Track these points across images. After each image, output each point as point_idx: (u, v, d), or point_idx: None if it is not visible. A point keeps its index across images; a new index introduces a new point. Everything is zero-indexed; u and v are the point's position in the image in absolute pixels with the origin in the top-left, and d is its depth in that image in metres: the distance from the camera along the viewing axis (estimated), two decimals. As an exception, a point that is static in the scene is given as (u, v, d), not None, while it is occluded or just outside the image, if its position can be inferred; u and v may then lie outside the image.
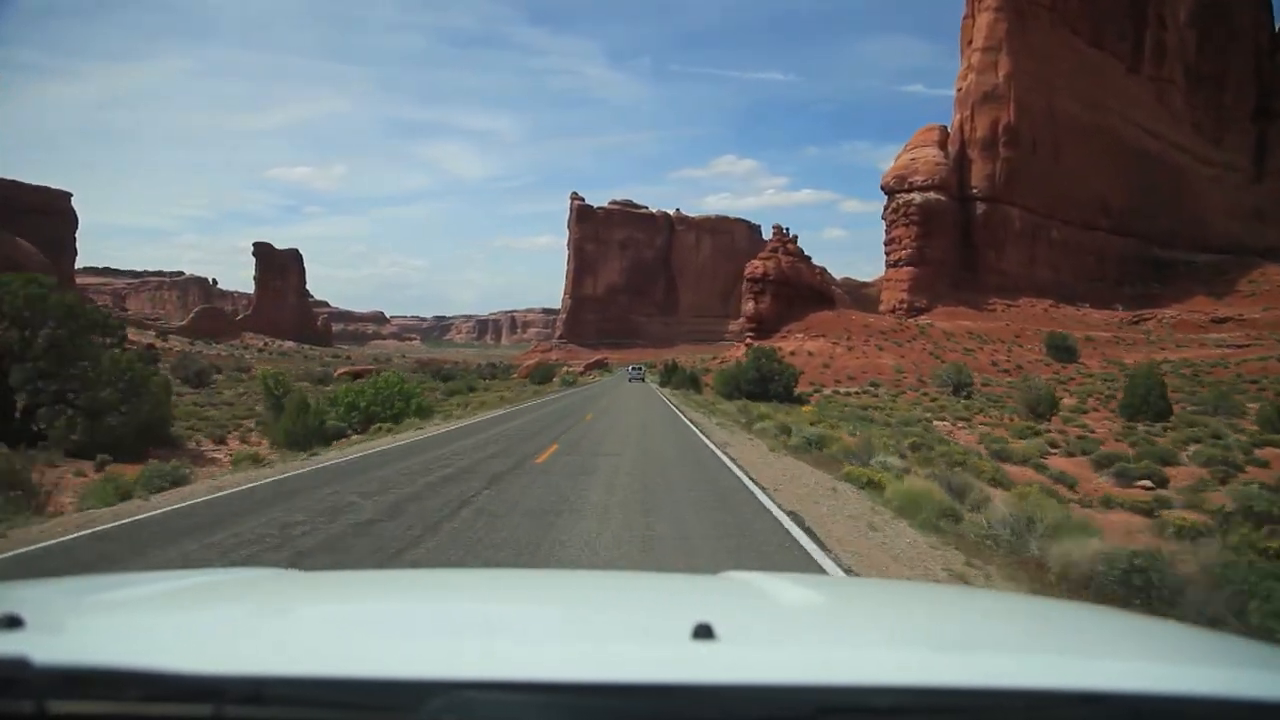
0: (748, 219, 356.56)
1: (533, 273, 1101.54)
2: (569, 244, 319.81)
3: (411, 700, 0.95)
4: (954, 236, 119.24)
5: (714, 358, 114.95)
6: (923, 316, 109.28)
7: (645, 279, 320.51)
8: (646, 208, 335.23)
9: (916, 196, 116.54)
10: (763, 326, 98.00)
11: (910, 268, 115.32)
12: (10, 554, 7.13)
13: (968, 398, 59.93)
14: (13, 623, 1.12)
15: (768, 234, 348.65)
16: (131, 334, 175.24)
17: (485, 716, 0.95)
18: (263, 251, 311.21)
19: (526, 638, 1.45)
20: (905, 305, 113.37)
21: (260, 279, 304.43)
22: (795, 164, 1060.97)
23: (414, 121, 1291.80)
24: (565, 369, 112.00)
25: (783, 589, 1.78)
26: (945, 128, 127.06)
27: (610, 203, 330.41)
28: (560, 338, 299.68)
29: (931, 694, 1.01)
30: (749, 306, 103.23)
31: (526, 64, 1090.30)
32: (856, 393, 68.35)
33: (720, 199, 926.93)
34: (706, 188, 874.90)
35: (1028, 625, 1.64)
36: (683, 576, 3.27)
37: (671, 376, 78.86)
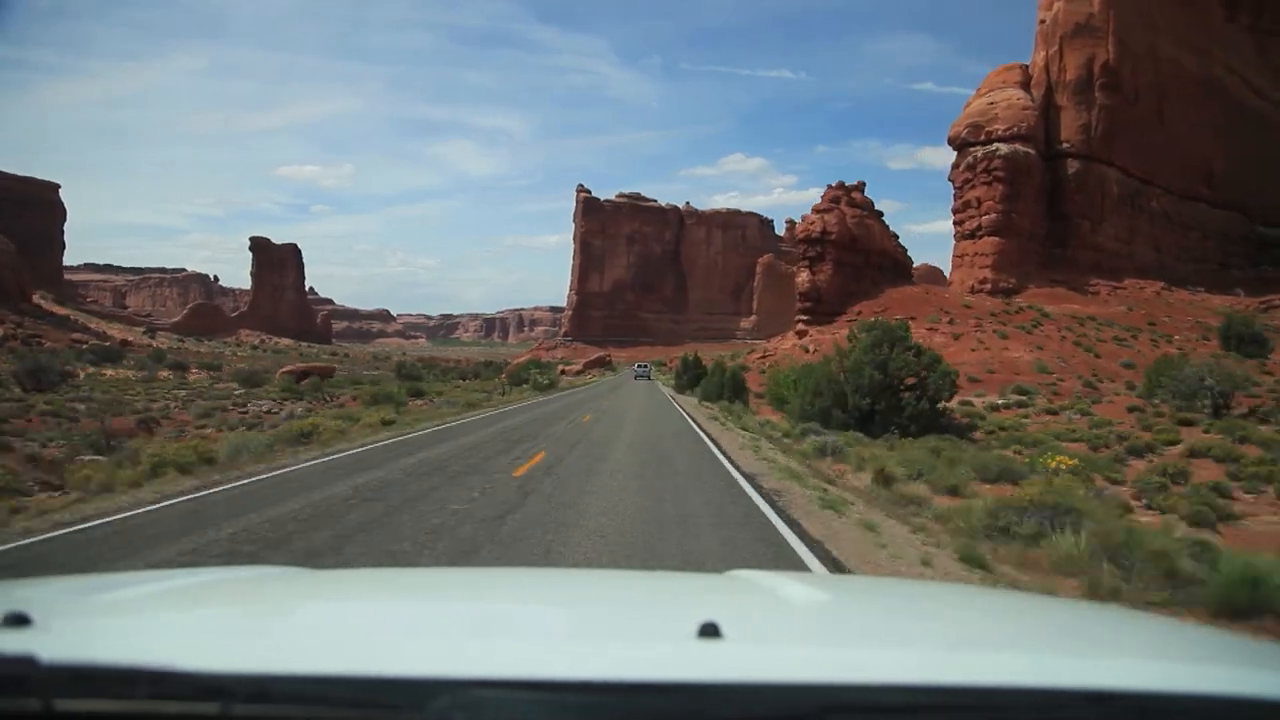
0: (760, 213, 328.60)
1: (541, 271, 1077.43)
2: (575, 238, 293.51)
3: (418, 699, 0.92)
4: (1042, 201, 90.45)
5: (751, 351, 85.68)
6: (1016, 299, 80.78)
7: (654, 275, 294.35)
8: (655, 201, 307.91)
9: (1001, 147, 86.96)
10: (821, 306, 69.01)
11: (994, 238, 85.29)
12: None
13: (1264, 420, 31.54)
14: (19, 621, 1.08)
15: (780, 229, 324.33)
16: (118, 330, 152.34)
17: (492, 715, 0.91)
18: (259, 246, 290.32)
19: (532, 636, 1.40)
20: (988, 285, 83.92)
21: (257, 274, 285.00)
22: (804, 162, 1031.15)
23: (423, 120, 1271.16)
24: (549, 369, 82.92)
25: (789, 588, 1.71)
26: (1025, 67, 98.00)
27: (618, 195, 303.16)
28: (566, 335, 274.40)
29: (938, 693, 0.97)
30: (802, 277, 72.57)
31: (536, 62, 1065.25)
32: (1004, 405, 39.95)
33: (729, 197, 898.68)
34: (715, 186, 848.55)
35: (1034, 624, 1.57)
36: (688, 575, 2.98)
37: (697, 379, 51.22)
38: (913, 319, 64.94)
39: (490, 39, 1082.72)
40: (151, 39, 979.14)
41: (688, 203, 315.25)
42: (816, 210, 75.48)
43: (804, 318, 70.60)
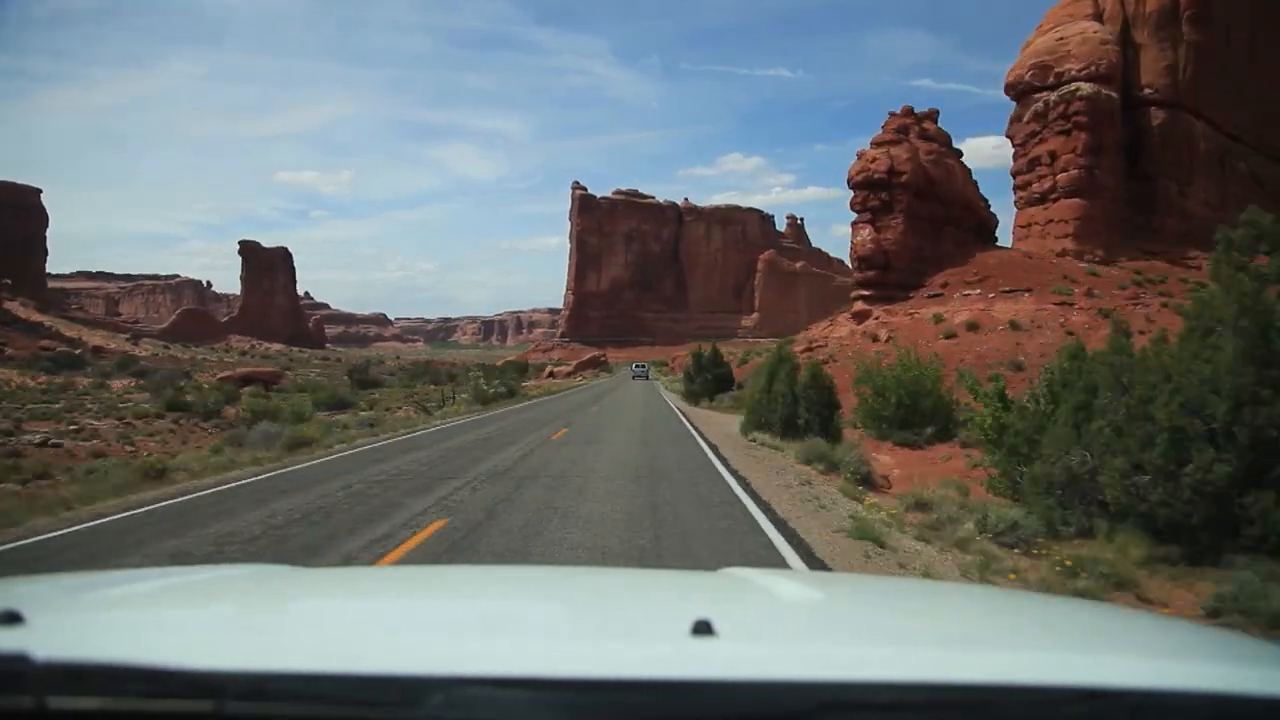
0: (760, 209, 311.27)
1: (541, 273, 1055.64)
2: (571, 237, 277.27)
3: (412, 696, 0.90)
4: (1121, 158, 72.08)
5: (789, 342, 66.96)
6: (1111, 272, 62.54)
7: (652, 273, 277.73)
8: (653, 197, 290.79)
9: (1082, 87, 68.34)
10: (889, 275, 48.99)
11: (1075, 199, 65.91)
12: None
13: None
14: (12, 619, 1.05)
15: (781, 225, 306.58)
16: (100, 338, 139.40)
17: (486, 713, 0.89)
18: (249, 250, 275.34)
19: (526, 634, 1.37)
20: (1068, 259, 65.54)
21: (247, 279, 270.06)
22: (802, 161, 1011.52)
23: (423, 123, 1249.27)
24: (508, 373, 64.06)
25: (782, 585, 1.68)
26: None
27: (615, 192, 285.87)
28: (563, 336, 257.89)
29: (931, 690, 0.95)
30: (860, 236, 52.30)
31: (535, 64, 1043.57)
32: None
33: (727, 196, 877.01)
34: (714, 186, 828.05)
35: (1027, 622, 1.53)
36: (682, 573, 3.05)
37: (718, 383, 33.31)
38: (1029, 290, 46.64)
39: (489, 41, 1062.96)
40: (152, 44, 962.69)
41: (686, 199, 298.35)
42: (878, 143, 54.72)
43: (865, 293, 50.98)
